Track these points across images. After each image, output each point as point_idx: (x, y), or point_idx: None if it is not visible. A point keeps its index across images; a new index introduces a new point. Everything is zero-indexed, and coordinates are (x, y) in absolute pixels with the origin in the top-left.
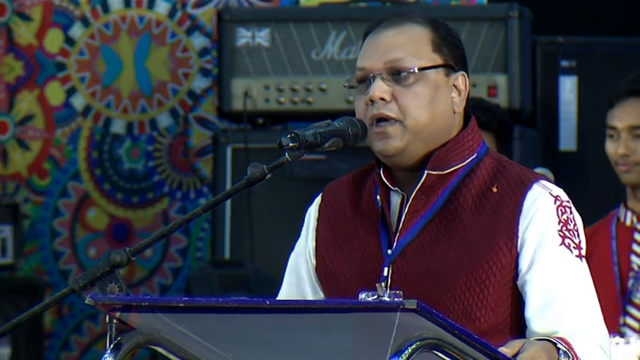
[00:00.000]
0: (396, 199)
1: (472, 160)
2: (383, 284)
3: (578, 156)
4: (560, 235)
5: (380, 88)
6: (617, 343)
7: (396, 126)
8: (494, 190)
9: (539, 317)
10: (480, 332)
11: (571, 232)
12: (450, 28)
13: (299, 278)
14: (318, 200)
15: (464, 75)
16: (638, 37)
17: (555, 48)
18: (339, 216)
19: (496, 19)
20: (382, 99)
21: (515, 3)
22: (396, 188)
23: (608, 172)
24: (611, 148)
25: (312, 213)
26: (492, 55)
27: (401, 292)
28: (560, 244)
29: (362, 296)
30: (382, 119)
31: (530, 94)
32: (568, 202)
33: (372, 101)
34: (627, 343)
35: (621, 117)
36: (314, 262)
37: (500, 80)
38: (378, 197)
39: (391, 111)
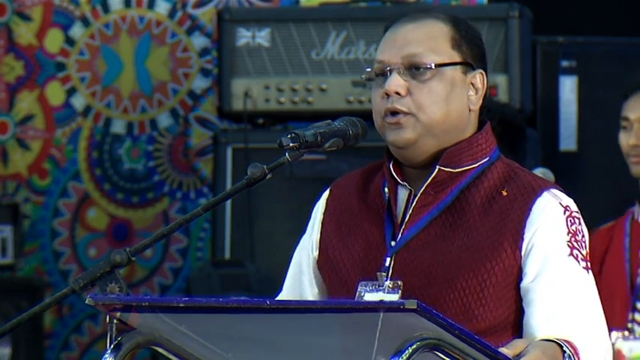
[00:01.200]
0: (403, 194)
1: (484, 162)
2: (384, 274)
3: (578, 156)
4: (569, 245)
5: (396, 82)
6: (625, 339)
7: (409, 118)
8: (504, 193)
9: (544, 327)
10: (478, 331)
11: (579, 244)
12: (472, 26)
13: (300, 272)
14: (325, 194)
15: (482, 73)
16: (638, 37)
17: (555, 48)
18: (345, 208)
19: (496, 19)
20: (397, 93)
21: (515, 3)
22: (405, 183)
23: (608, 172)
24: (624, 139)
25: (320, 207)
26: (492, 55)
27: (401, 283)
28: (569, 255)
29: (362, 286)
30: (396, 112)
31: (530, 94)
32: (577, 212)
33: (387, 95)
34: (635, 339)
35: (634, 108)
36: (316, 254)
37: (501, 80)
38: (386, 190)
39: (405, 105)
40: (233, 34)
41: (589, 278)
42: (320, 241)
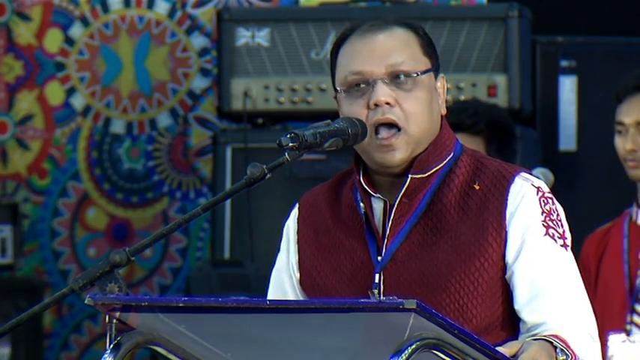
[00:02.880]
0: (378, 205)
1: (450, 159)
2: (376, 291)
3: (577, 156)
4: (544, 225)
5: (384, 92)
6: (623, 341)
7: (401, 137)
8: (477, 187)
9: (528, 308)
10: (478, 330)
11: (554, 222)
12: (425, 29)
13: (284, 294)
14: (294, 213)
15: (443, 77)
16: (638, 37)
17: (555, 48)
18: (320, 227)
19: (496, 18)
20: (387, 103)
21: (515, 3)
22: (378, 195)
23: (607, 172)
24: (620, 143)
25: (291, 227)
26: (492, 55)
27: (395, 299)
28: (545, 235)
29: None
30: (385, 125)
31: (530, 94)
32: (549, 193)
33: (375, 105)
34: (633, 342)
35: (629, 113)
36: (298, 275)
37: (500, 80)
38: (362, 205)
39: (396, 116)
40: (232, 34)
41: (567, 256)
42: (299, 263)
